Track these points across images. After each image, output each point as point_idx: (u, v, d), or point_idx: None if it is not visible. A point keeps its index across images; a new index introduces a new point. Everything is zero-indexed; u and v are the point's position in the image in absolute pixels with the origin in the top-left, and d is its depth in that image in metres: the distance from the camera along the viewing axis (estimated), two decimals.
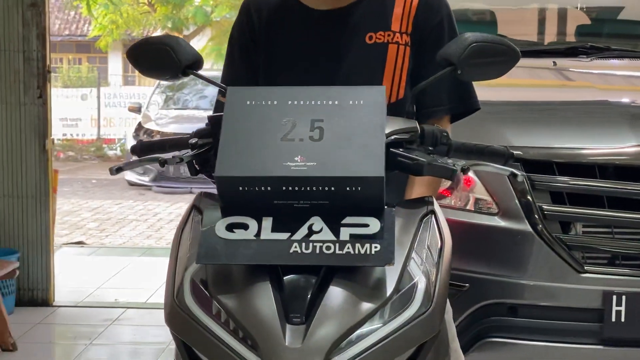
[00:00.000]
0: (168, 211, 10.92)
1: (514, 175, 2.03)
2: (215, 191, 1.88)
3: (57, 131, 18.12)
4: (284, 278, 1.76)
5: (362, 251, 1.74)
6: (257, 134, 1.84)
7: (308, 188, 1.78)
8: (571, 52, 4.40)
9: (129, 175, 12.90)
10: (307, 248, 1.75)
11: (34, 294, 5.59)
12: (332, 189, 1.78)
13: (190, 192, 11.21)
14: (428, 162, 1.97)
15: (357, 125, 1.84)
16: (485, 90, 3.97)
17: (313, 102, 1.88)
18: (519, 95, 4.04)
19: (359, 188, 1.77)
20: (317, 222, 1.78)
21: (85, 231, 9.43)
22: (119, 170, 2.05)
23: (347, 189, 1.78)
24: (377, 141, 1.81)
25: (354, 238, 1.75)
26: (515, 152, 3.23)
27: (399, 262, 1.80)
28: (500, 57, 2.12)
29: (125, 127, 17.60)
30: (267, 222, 1.79)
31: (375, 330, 1.71)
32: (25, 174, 5.49)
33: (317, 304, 1.71)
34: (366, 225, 1.77)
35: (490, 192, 3.34)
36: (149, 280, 6.20)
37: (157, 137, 10.77)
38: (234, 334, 1.71)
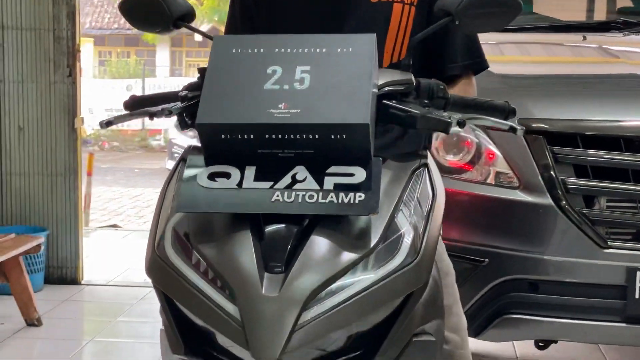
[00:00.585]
0: None
1: (514, 130, 1.94)
2: None
3: None
4: (265, 228, 1.70)
5: (346, 200, 1.68)
6: (241, 81, 1.79)
7: (292, 136, 1.72)
8: (604, 27, 4.29)
9: (171, 164, 12.98)
10: (289, 197, 1.69)
11: (63, 272, 5.61)
12: (317, 137, 1.72)
13: None
14: (422, 114, 1.90)
15: (344, 73, 1.77)
16: (512, 65, 3.91)
17: (300, 50, 1.82)
18: (547, 69, 3.95)
19: (344, 136, 1.71)
20: (301, 172, 1.72)
21: (124, 217, 9.51)
22: (108, 123, 2.02)
23: (332, 137, 1.71)
24: (363, 88, 1.75)
25: (338, 187, 1.69)
26: (538, 124, 3.22)
27: (386, 213, 1.74)
28: (500, 7, 2.04)
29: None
30: (250, 171, 1.73)
31: (358, 281, 1.65)
32: (55, 152, 5.52)
33: (298, 253, 1.65)
34: (351, 175, 1.71)
35: (512, 165, 3.27)
36: None
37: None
38: (212, 283, 1.66)
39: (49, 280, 5.56)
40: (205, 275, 1.68)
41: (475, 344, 4.24)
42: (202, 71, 1.97)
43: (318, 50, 1.81)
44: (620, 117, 3.31)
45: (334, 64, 1.79)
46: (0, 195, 5.58)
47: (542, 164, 3.19)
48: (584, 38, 4.09)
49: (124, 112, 2.09)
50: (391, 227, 1.73)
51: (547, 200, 3.18)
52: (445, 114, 1.93)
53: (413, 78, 1.98)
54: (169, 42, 27.61)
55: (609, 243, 3.15)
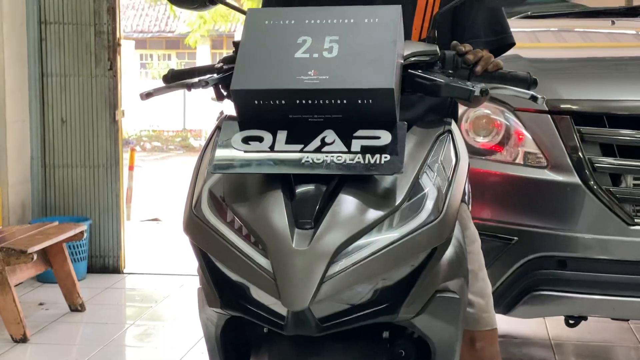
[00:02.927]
0: None
1: (534, 98, 2.02)
2: None
3: (145, 123, 18.57)
4: (296, 187, 1.80)
5: (372, 161, 1.77)
6: (273, 50, 1.89)
7: (321, 101, 1.82)
8: (633, 13, 4.35)
9: None
10: (318, 159, 1.78)
11: (105, 261, 5.76)
12: (344, 101, 1.81)
13: None
14: (446, 82, 1.99)
15: (370, 42, 1.87)
16: (541, 50, 3.98)
17: (329, 21, 1.92)
18: (575, 53, 4.01)
19: (370, 100, 1.81)
20: (329, 135, 1.82)
21: (165, 211, 9.64)
22: (148, 95, 2.13)
23: (359, 101, 1.81)
24: (388, 55, 1.84)
25: (365, 149, 1.79)
26: (565, 105, 3.29)
27: (410, 174, 1.84)
28: None
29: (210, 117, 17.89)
30: (282, 135, 1.83)
31: (383, 237, 1.74)
32: (97, 144, 5.66)
33: (327, 211, 1.75)
34: (377, 138, 1.80)
35: (540, 145, 3.33)
36: None
37: None
38: (246, 239, 1.76)
39: (92, 269, 5.71)
40: (239, 232, 1.78)
41: (508, 326, 4.32)
42: (236, 44, 2.07)
43: (346, 20, 1.91)
44: None
45: (361, 33, 1.89)
46: (44, 187, 5.74)
47: (570, 143, 3.25)
48: (613, 23, 4.15)
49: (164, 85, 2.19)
50: (415, 187, 1.82)
51: (575, 179, 3.24)
52: (469, 83, 2.02)
53: (438, 49, 2.07)
54: (210, 44, 27.82)
55: (636, 220, 3.20)
